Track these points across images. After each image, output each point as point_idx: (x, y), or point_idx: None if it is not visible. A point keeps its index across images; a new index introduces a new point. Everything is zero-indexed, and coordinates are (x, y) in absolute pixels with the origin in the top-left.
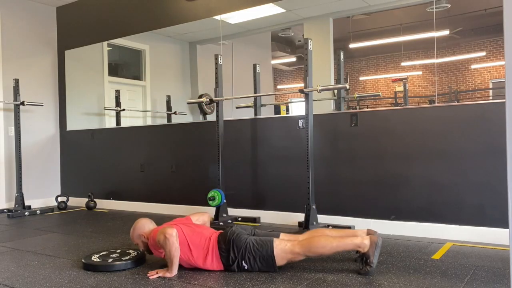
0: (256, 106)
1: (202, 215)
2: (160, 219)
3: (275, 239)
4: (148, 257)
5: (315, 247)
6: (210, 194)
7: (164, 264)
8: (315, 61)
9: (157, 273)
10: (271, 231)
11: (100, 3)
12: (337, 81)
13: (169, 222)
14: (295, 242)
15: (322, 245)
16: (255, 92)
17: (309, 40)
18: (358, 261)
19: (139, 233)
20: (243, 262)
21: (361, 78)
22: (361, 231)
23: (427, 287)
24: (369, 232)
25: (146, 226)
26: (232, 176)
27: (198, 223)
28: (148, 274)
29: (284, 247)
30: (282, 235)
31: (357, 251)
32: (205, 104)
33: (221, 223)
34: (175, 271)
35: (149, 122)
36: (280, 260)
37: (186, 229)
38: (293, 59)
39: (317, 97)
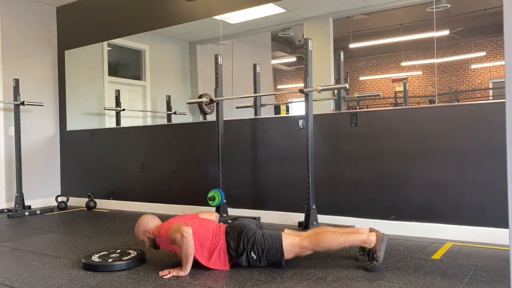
0: (256, 106)
1: (210, 214)
2: (160, 219)
3: (283, 233)
4: (148, 257)
5: (323, 242)
6: (210, 194)
7: (172, 263)
8: (315, 61)
9: (169, 272)
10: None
11: (100, 3)
12: (337, 81)
13: (176, 218)
14: (302, 237)
15: (329, 240)
16: (255, 92)
17: (309, 40)
18: (360, 259)
19: (144, 229)
20: (251, 252)
21: (361, 78)
22: (363, 229)
23: (427, 287)
24: (372, 230)
25: (150, 222)
26: (232, 176)
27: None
28: (160, 274)
29: (292, 241)
30: (286, 231)
31: (361, 248)
32: (205, 104)
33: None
34: (188, 269)
35: (149, 122)
36: (287, 253)
37: (193, 224)
38: (293, 59)
39: (317, 97)
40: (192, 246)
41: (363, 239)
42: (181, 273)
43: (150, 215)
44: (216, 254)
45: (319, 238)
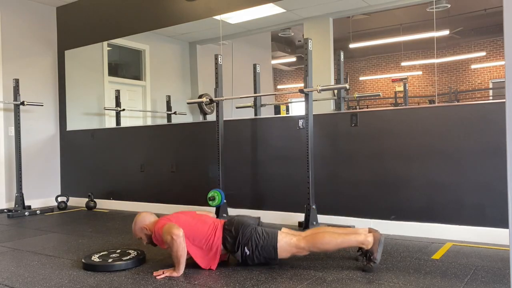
0: (256, 106)
1: (207, 213)
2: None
3: (280, 232)
4: (148, 257)
5: (320, 243)
6: (210, 194)
7: (168, 263)
8: (315, 61)
9: (163, 273)
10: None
11: (100, 3)
12: (337, 81)
13: (172, 214)
14: (300, 237)
15: (327, 241)
16: (255, 92)
17: (309, 40)
18: (360, 259)
19: (141, 226)
20: (246, 248)
21: (361, 78)
22: (362, 229)
23: (427, 287)
24: (371, 231)
25: (147, 218)
26: (232, 176)
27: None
28: (154, 274)
29: (289, 241)
30: (284, 230)
31: (360, 249)
32: (205, 104)
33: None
34: (181, 270)
35: (149, 122)
36: (283, 252)
37: (186, 220)
38: (293, 59)
39: (317, 97)
40: (183, 248)
41: (360, 240)
42: (175, 274)
43: (146, 212)
44: (211, 251)
45: (316, 239)
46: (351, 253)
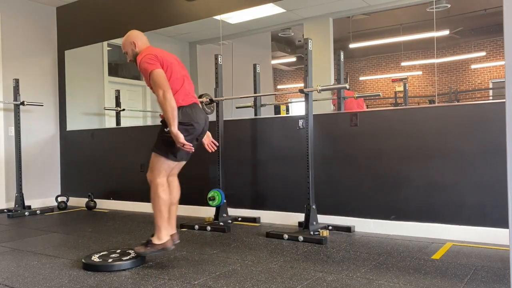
0: (256, 106)
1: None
2: None
3: (168, 164)
4: (148, 257)
5: (156, 194)
6: (210, 194)
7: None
8: (315, 61)
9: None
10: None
11: (100, 3)
12: (337, 81)
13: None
14: (164, 175)
15: (158, 200)
16: (255, 92)
17: (309, 40)
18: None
19: (132, 41)
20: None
21: (361, 78)
22: (174, 234)
23: (427, 287)
24: (173, 237)
25: (139, 37)
26: (232, 176)
27: None
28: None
29: (160, 168)
30: (177, 167)
31: (154, 233)
32: (205, 104)
33: (221, 223)
34: (176, 125)
35: (149, 122)
36: (155, 163)
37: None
38: (293, 59)
39: (317, 97)
40: (174, 108)
41: (160, 229)
42: (172, 129)
43: (142, 33)
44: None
45: (156, 192)
46: (351, 253)
